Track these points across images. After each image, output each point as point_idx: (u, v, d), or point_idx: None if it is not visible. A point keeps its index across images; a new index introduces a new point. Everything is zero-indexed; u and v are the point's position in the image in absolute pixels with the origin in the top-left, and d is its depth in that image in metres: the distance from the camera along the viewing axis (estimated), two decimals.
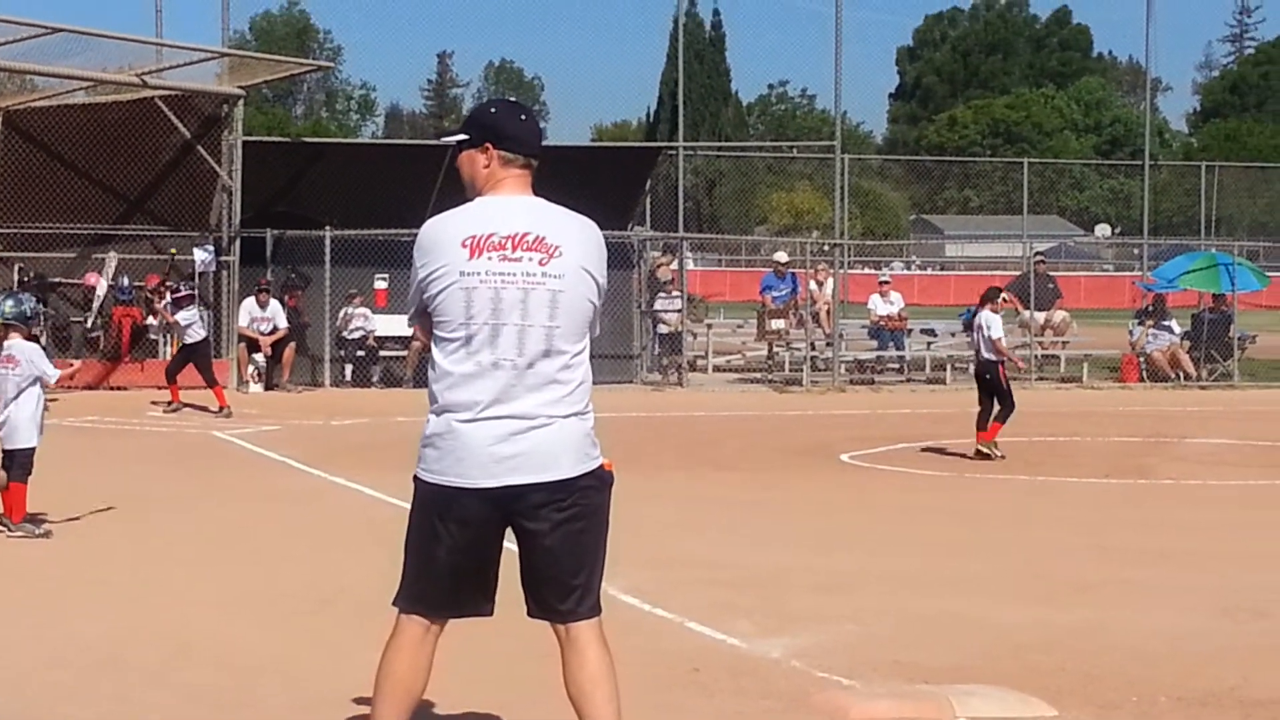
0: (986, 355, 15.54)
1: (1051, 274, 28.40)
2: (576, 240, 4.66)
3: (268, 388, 22.34)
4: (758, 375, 25.60)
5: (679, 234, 26.13)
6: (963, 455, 15.41)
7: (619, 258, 21.03)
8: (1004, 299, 15.64)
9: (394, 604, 4.76)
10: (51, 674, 6.80)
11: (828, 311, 25.15)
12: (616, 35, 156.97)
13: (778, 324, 25.14)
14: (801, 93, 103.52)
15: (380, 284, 23.10)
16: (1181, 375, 25.22)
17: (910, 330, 26.29)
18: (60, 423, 16.28)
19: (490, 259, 4.57)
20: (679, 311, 24.76)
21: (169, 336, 22.46)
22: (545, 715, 5.69)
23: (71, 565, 9.49)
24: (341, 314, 23.07)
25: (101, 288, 22.75)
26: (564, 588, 4.64)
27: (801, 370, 24.28)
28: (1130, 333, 26.13)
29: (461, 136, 4.74)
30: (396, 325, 22.41)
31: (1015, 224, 47.88)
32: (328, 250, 22.64)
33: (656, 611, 8.03)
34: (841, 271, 27.38)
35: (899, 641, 7.48)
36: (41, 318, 13.70)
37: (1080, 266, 59.86)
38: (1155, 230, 37.20)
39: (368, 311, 23.07)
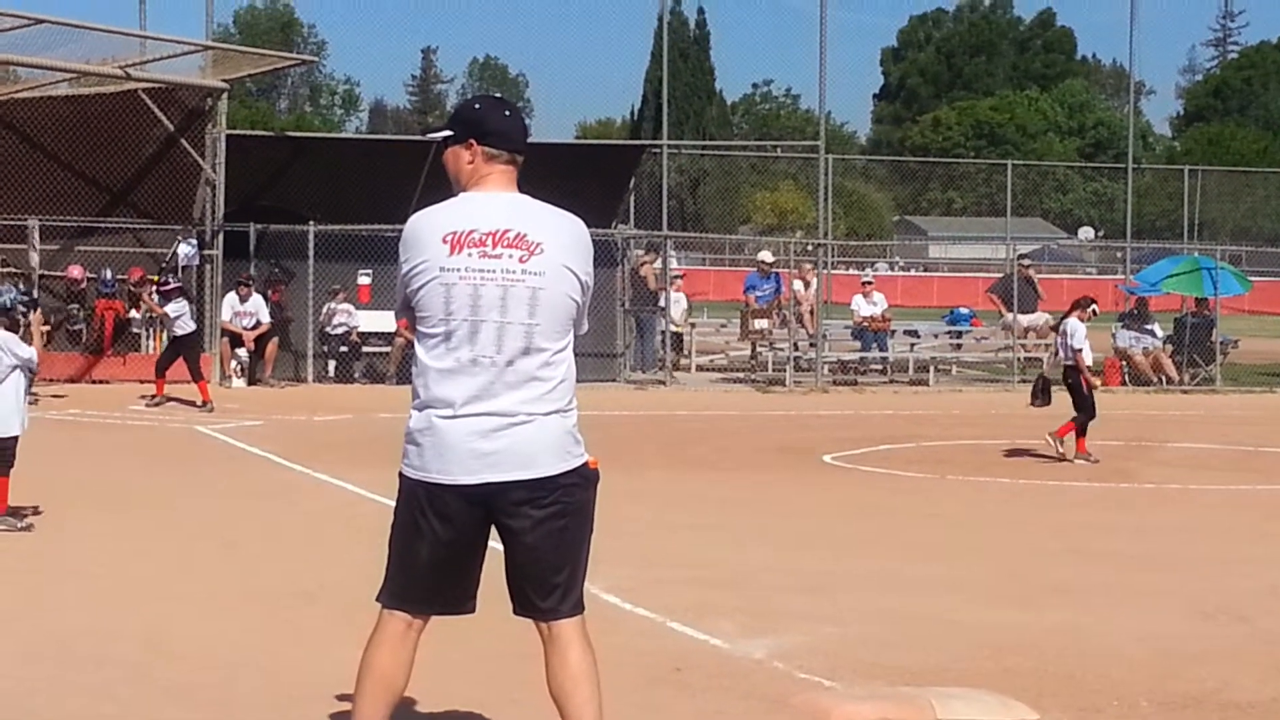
0: (1069, 361, 15.50)
1: (1034, 276, 28.41)
2: (559, 237, 4.65)
3: (250, 383, 22.28)
4: (741, 375, 25.58)
5: (663, 232, 26.14)
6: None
7: (603, 256, 20.64)
8: (1094, 310, 15.56)
9: (377, 599, 4.76)
10: (29, 669, 6.75)
11: (811, 312, 25.18)
12: (601, 33, 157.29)
13: (761, 324, 25.15)
14: (786, 92, 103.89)
15: (364, 279, 23.00)
16: (1164, 379, 25.26)
17: (893, 331, 26.33)
18: (43, 415, 16.25)
19: (470, 255, 4.56)
20: (686, 309, 24.96)
21: (152, 330, 22.39)
22: (527, 714, 5.68)
23: (50, 559, 9.45)
24: (325, 309, 22.99)
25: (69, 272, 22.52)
26: (546, 586, 4.63)
27: (784, 370, 24.27)
28: (1113, 336, 26.16)
29: (446, 133, 4.74)
30: (380, 321, 22.39)
31: (999, 226, 47.95)
32: (311, 245, 22.57)
33: (638, 611, 8.02)
34: (825, 272, 27.41)
35: (881, 643, 7.48)
36: (36, 307, 13.62)
37: (1063, 269, 59.97)
38: (1138, 234, 37.22)
39: (351, 307, 23.00)
